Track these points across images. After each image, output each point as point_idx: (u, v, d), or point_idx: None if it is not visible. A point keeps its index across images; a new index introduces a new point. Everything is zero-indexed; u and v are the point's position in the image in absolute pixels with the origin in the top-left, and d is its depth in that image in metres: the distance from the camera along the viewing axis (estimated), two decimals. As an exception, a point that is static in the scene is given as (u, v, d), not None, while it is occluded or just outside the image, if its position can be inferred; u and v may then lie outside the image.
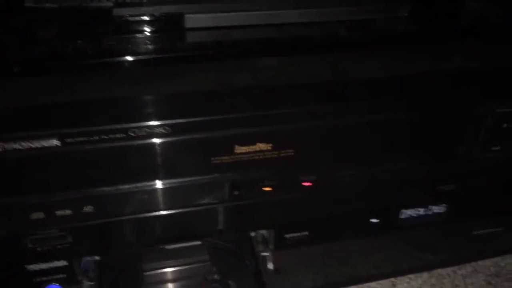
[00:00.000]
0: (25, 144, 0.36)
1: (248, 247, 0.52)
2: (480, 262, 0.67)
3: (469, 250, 0.63)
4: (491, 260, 0.68)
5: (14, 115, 0.36)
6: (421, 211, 0.55)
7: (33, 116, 0.37)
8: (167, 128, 0.39)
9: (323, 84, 0.41)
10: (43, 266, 0.46)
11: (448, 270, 0.66)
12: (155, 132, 0.39)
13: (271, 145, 0.43)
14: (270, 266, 0.52)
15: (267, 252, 0.52)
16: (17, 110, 0.36)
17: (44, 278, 0.47)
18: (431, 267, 0.64)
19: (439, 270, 0.66)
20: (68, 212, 0.41)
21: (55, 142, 0.37)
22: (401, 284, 0.64)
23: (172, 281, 0.50)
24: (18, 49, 0.39)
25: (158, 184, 0.43)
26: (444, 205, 0.54)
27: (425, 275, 0.65)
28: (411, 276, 0.64)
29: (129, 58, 0.40)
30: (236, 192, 0.45)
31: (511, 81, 0.45)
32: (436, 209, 0.55)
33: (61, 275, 0.47)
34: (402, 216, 0.55)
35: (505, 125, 0.47)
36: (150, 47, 0.42)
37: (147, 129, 0.39)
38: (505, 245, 0.65)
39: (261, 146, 0.43)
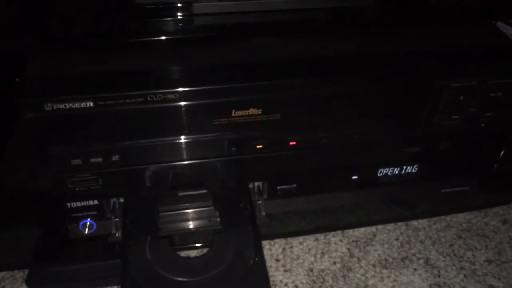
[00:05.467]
0: (68, 105, 0.47)
1: (245, 196, 0.62)
2: (454, 219, 0.76)
3: (440, 206, 0.73)
4: (464, 217, 0.76)
5: (59, 82, 0.47)
6: (395, 170, 0.64)
7: (73, 83, 0.47)
8: (176, 94, 0.49)
9: (303, 60, 0.51)
10: (79, 204, 0.57)
11: (424, 224, 0.75)
12: (168, 97, 0.49)
13: (261, 110, 0.52)
14: (263, 212, 0.62)
15: (261, 201, 0.62)
16: (61, 77, 0.46)
17: (80, 214, 0.59)
18: (407, 218, 0.74)
19: (416, 224, 0.75)
20: (99, 159, 0.52)
21: (89, 103, 0.48)
22: (381, 234, 0.73)
23: (182, 221, 0.61)
24: (61, 30, 0.50)
25: (171, 140, 0.53)
26: (413, 165, 0.63)
27: (403, 227, 0.74)
28: (390, 228, 0.74)
29: (148, 38, 0.50)
30: (233, 148, 0.55)
31: (464, 59, 0.54)
32: (407, 168, 0.64)
33: (93, 212, 0.58)
34: (379, 174, 0.65)
35: (461, 97, 0.55)
36: (165, 29, 0.52)
37: (161, 95, 0.49)
38: (474, 202, 0.74)
39: (253, 111, 0.52)
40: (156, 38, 0.50)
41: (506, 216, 0.76)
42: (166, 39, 0.50)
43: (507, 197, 0.75)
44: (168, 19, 0.52)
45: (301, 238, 0.72)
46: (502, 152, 0.66)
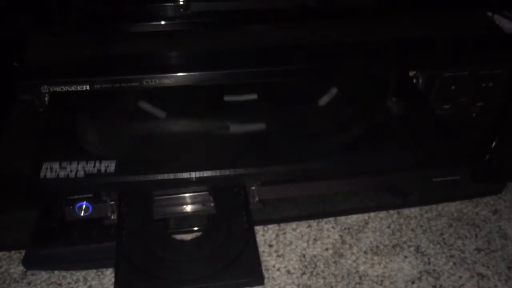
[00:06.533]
0: (64, 87, 0.48)
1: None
2: (445, 208, 0.77)
3: (432, 195, 0.74)
4: (456, 207, 0.78)
5: (56, 65, 0.47)
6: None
7: (70, 66, 0.48)
8: (171, 79, 0.50)
9: (295, 46, 0.52)
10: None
11: (416, 213, 0.76)
12: (163, 82, 0.50)
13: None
14: (257, 198, 0.63)
15: (254, 187, 0.63)
16: (59, 61, 0.47)
17: (76, 197, 0.59)
18: (399, 207, 0.75)
19: (407, 212, 0.76)
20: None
21: (86, 87, 0.49)
22: (373, 222, 0.74)
23: (176, 205, 0.62)
24: (59, 13, 0.50)
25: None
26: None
27: (395, 216, 0.75)
28: (382, 216, 0.75)
29: (145, 23, 0.51)
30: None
31: (457, 49, 0.55)
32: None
33: (89, 195, 0.59)
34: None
35: (453, 87, 0.56)
36: (162, 13, 0.53)
37: (156, 80, 0.50)
38: (465, 192, 0.75)
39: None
40: (153, 23, 0.51)
41: (496, 206, 0.77)
42: (162, 24, 0.50)
43: (498, 187, 0.76)
44: (165, 4, 0.52)
45: (294, 225, 0.73)
46: (494, 143, 0.67)
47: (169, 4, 0.53)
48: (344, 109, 0.56)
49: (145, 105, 0.53)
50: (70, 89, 0.48)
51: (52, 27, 0.49)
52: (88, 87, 0.48)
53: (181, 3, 0.53)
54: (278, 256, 0.68)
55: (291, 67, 0.52)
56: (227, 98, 0.56)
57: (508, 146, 0.67)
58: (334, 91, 0.56)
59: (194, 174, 0.47)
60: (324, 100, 0.56)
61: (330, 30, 0.53)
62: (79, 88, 0.48)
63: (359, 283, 0.65)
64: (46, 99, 0.51)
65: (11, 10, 0.53)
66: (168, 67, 0.50)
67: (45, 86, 0.47)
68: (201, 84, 0.51)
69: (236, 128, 0.52)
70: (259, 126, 0.52)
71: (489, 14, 0.65)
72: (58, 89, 0.47)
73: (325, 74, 0.53)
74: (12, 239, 0.64)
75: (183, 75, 0.50)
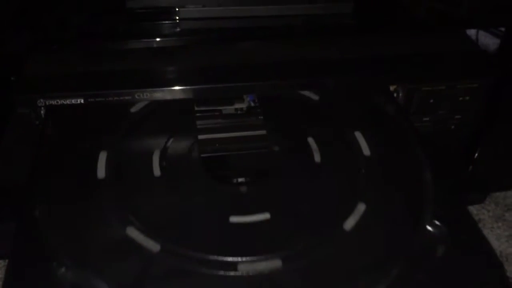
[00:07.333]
0: (59, 101, 0.50)
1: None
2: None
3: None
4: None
5: (52, 80, 0.50)
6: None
7: (65, 81, 0.50)
8: (162, 93, 0.52)
9: (280, 63, 0.54)
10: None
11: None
12: (154, 95, 0.53)
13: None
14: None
15: None
16: (55, 76, 0.49)
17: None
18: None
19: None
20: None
21: (80, 100, 0.51)
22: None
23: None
24: (56, 32, 0.53)
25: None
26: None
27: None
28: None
29: (138, 40, 0.53)
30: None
31: (435, 65, 0.57)
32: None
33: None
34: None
35: (431, 101, 0.58)
36: (154, 31, 0.55)
37: (148, 94, 0.52)
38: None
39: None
40: (145, 40, 0.54)
41: (479, 215, 0.79)
42: (154, 41, 0.53)
43: (481, 197, 0.78)
44: (156, 22, 0.55)
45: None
46: (476, 154, 0.70)
47: (161, 22, 0.56)
48: (375, 236, 0.44)
49: (134, 234, 0.42)
50: (65, 103, 0.50)
51: (49, 44, 0.52)
52: (82, 101, 0.51)
53: (172, 21, 0.56)
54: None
55: (278, 82, 0.55)
56: (233, 219, 0.44)
57: (490, 157, 0.70)
58: (361, 208, 0.45)
59: None
60: (350, 223, 0.44)
61: (314, 47, 0.55)
62: (73, 101, 0.50)
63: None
64: (42, 112, 0.53)
65: (10, 27, 0.56)
66: (159, 81, 0.53)
67: (41, 100, 0.50)
68: (191, 97, 0.53)
69: (246, 267, 0.40)
70: (274, 263, 0.40)
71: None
72: (53, 102, 0.50)
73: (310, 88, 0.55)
74: (7, 248, 0.65)
75: (174, 89, 0.52)
